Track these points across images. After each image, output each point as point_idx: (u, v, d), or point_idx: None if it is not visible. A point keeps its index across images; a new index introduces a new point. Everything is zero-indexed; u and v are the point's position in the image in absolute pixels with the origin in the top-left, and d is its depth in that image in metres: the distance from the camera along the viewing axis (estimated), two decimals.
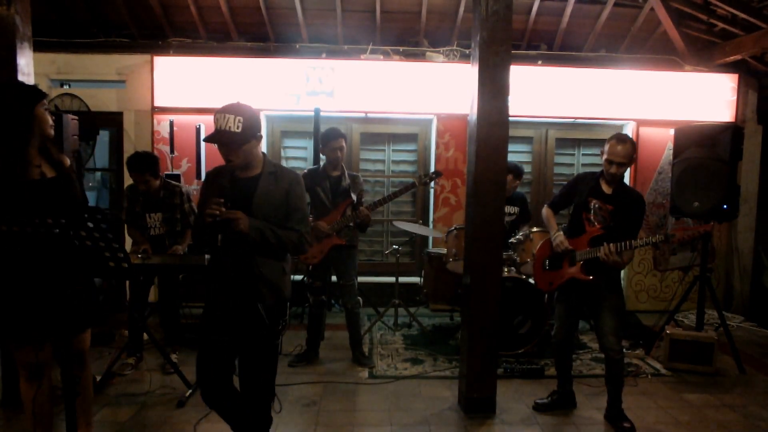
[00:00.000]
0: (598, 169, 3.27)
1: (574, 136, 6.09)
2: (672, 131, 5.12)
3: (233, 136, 2.25)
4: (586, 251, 3.16)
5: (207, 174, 2.54)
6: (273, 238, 2.31)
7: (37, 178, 2.30)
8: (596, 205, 3.18)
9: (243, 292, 2.33)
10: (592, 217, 3.19)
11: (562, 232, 3.30)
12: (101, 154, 6.07)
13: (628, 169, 5.80)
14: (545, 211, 3.46)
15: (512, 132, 3.50)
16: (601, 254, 3.04)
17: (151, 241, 3.88)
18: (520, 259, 4.42)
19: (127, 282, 3.97)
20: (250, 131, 2.29)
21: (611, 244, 3.03)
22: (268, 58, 5.60)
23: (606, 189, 3.19)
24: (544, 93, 5.68)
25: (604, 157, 3.13)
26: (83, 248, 1.96)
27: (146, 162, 3.77)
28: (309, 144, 5.79)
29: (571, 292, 3.29)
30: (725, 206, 4.06)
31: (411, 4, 5.55)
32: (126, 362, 3.90)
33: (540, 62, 5.84)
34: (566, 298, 3.33)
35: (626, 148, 3.07)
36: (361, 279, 4.55)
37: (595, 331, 3.39)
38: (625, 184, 3.25)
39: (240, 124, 2.25)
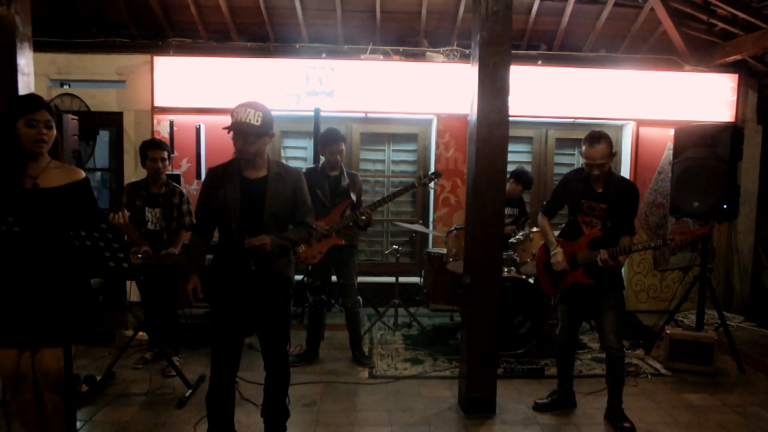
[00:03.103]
0: None
1: (574, 136, 6.09)
2: (672, 131, 5.11)
3: (253, 128, 2.47)
4: (587, 254, 3.14)
5: (211, 171, 2.66)
6: (289, 244, 2.64)
7: (29, 188, 2.26)
8: (590, 206, 3.15)
9: (263, 288, 2.60)
10: (588, 219, 3.17)
11: (561, 250, 3.25)
12: (101, 154, 6.06)
13: (628, 170, 5.90)
14: (541, 219, 3.43)
15: (512, 132, 3.50)
16: (599, 261, 3.04)
17: (148, 235, 3.90)
18: (520, 259, 4.42)
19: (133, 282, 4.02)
20: (267, 126, 2.53)
21: (604, 251, 3.02)
22: (268, 58, 5.60)
23: (596, 187, 3.14)
24: (544, 93, 5.68)
25: (583, 160, 3.09)
26: (83, 248, 1.97)
27: (164, 143, 4.00)
28: (309, 144, 5.79)
29: (575, 293, 3.28)
30: (725, 206, 4.05)
31: (411, 4, 5.55)
32: (144, 356, 4.08)
33: (540, 62, 5.84)
34: (569, 300, 3.32)
35: (602, 148, 3.00)
36: (361, 279, 4.56)
37: (597, 330, 3.39)
38: (615, 177, 3.17)
39: (259, 118, 2.48)
